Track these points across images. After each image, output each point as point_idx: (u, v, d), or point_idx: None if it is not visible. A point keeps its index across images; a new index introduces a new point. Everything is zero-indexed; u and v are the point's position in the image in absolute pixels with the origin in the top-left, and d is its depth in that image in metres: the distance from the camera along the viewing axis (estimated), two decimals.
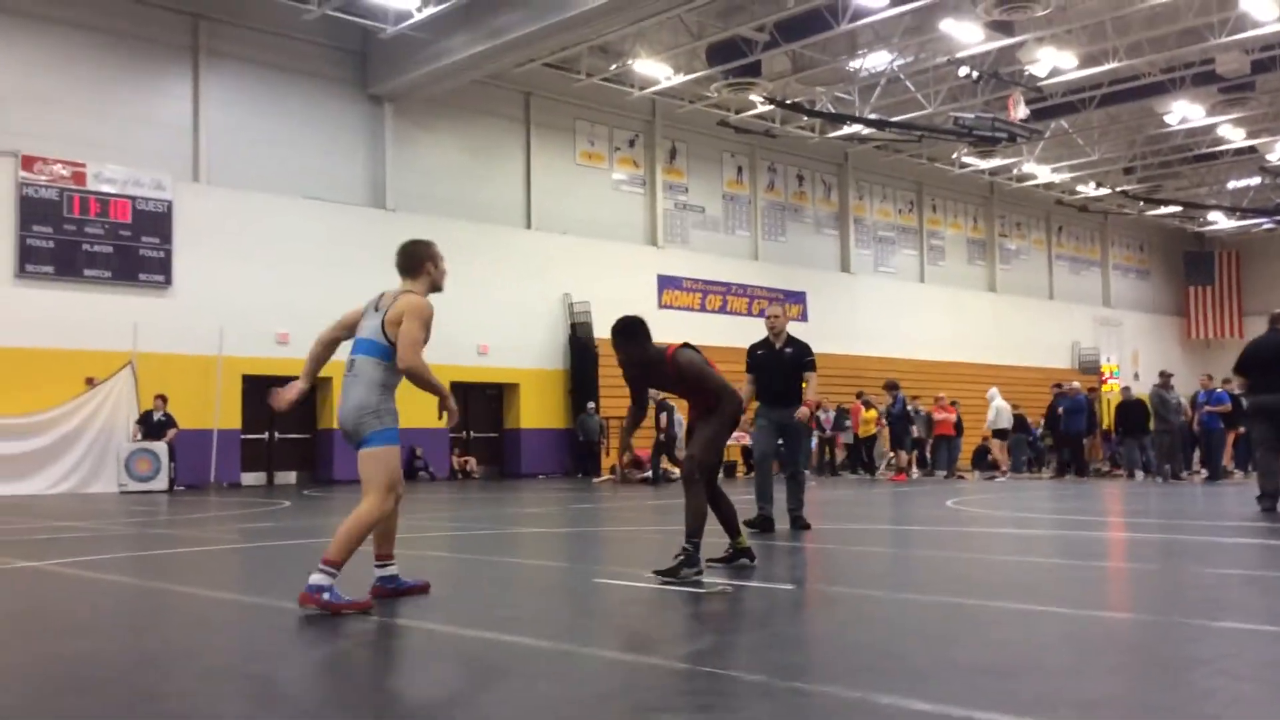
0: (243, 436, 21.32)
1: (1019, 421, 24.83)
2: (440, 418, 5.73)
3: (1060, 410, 22.85)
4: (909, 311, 32.85)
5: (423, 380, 5.38)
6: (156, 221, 20.26)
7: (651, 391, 7.27)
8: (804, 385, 9.87)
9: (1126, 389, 23.23)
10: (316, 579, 5.19)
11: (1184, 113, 28.75)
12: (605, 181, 27.23)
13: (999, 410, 23.61)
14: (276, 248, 21.39)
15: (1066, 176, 35.12)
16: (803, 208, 31.60)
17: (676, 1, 20.16)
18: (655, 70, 24.91)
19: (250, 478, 21.64)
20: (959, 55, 24.24)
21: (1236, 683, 3.76)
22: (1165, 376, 21.19)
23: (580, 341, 25.22)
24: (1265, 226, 41.08)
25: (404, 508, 12.75)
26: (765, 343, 9.99)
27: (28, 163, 19.05)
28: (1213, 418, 20.60)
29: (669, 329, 25.90)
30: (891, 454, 24.22)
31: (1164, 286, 43.62)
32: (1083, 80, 26.49)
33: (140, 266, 20.07)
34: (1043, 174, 34.40)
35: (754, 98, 26.37)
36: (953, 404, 23.79)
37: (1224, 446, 20.95)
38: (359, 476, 5.43)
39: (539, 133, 25.92)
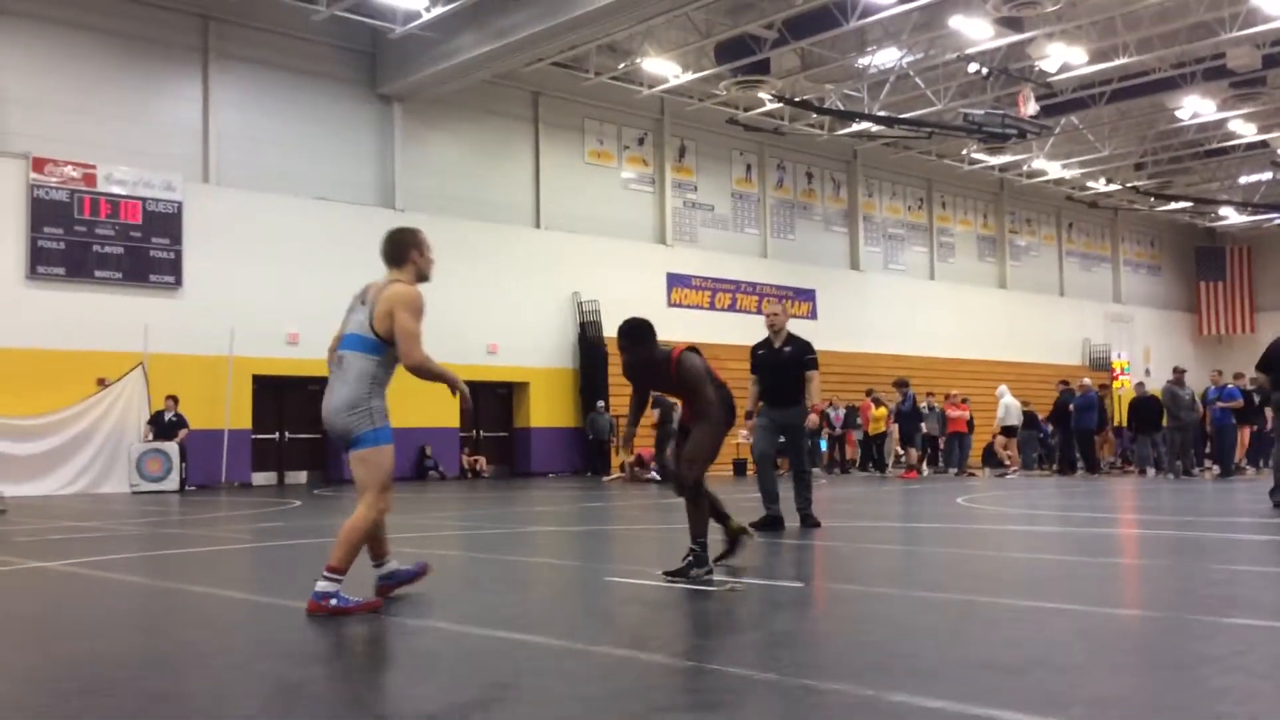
0: (253, 436, 21.38)
1: (1030, 418, 24.79)
2: (455, 397, 5.58)
3: (1071, 407, 22.79)
4: (919, 309, 32.78)
5: (430, 374, 5.28)
6: (167, 222, 20.31)
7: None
8: (806, 386, 9.72)
9: (1141, 385, 23.17)
10: (322, 586, 5.18)
11: (1195, 108, 28.63)
12: (614, 180, 27.22)
13: (1008, 407, 23.58)
14: (286, 248, 21.43)
15: (1077, 172, 35.01)
16: (812, 205, 31.55)
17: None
18: (664, 68, 24.89)
19: (261, 477, 21.69)
20: (968, 51, 24.18)
21: (1249, 679, 3.74)
22: (1179, 373, 21.12)
23: (590, 340, 25.23)
24: (1277, 222, 40.90)
25: (414, 507, 12.76)
26: (766, 342, 9.90)
27: (38, 164, 19.12)
28: (1225, 414, 20.53)
29: (678, 327, 25.99)
30: (901, 451, 24.19)
31: (1175, 282, 43.45)
32: (1093, 76, 26.40)
33: (151, 267, 20.13)
34: (1053, 170, 34.29)
35: (763, 95, 26.34)
36: (964, 401, 23.76)
37: (1236, 442, 20.88)
38: (356, 475, 5.34)
39: (548, 132, 25.93)
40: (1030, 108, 25.29)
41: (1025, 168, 34.31)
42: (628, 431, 7.07)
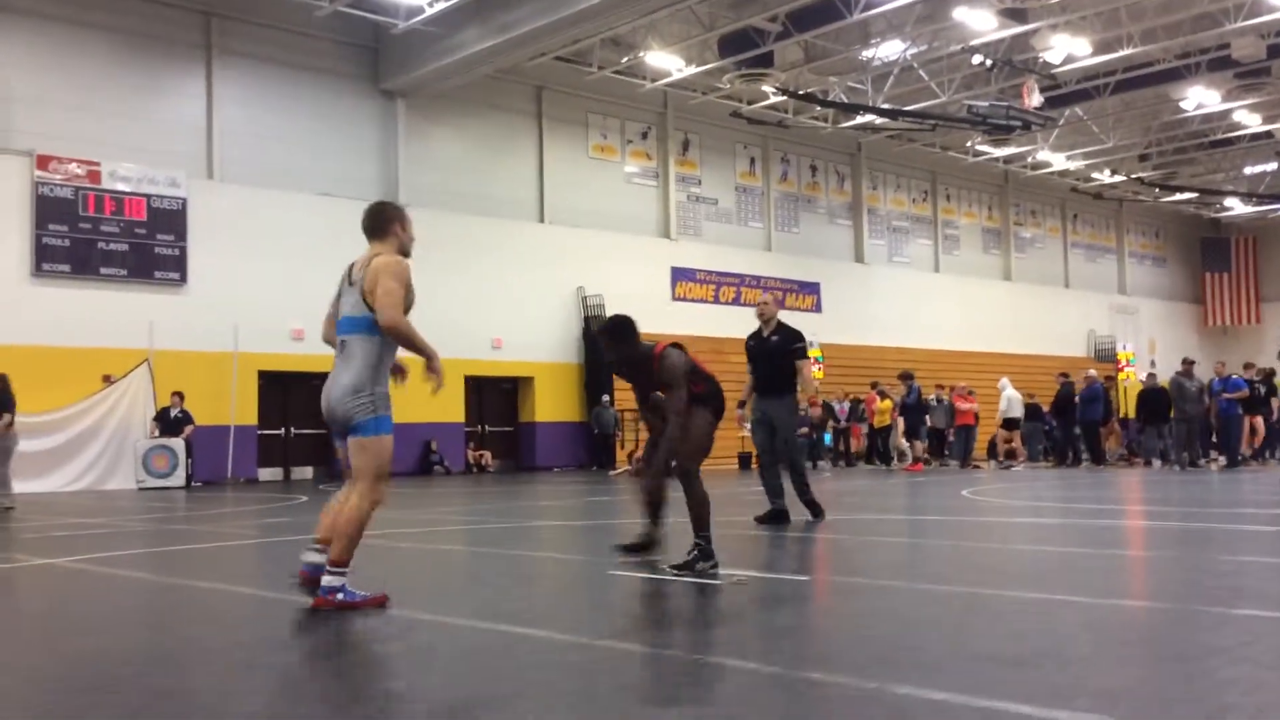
0: (259, 432, 21.41)
1: (1035, 410, 24.77)
2: (425, 379, 5.27)
3: (1076, 399, 22.76)
4: (923, 301, 32.74)
5: (406, 338, 5.11)
6: (171, 219, 20.33)
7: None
8: (798, 376, 9.63)
9: (1152, 376, 23.14)
10: (328, 581, 5.16)
11: (1200, 98, 28.55)
12: (618, 174, 27.21)
13: (1010, 400, 23.58)
14: (290, 244, 21.44)
15: (1081, 164, 34.92)
16: (816, 198, 31.52)
17: None
18: (667, 62, 24.86)
19: (267, 473, 21.73)
20: (972, 43, 24.11)
21: (1256, 670, 3.74)
22: (1188, 364, 21.09)
23: (594, 335, 25.24)
24: None
25: (419, 502, 12.76)
26: (757, 332, 9.83)
27: (43, 162, 19.14)
28: (1230, 404, 20.49)
29: (683, 321, 26.04)
30: (906, 444, 24.18)
31: (1180, 273, 43.36)
32: (1097, 67, 26.33)
33: (155, 264, 20.15)
34: (1058, 162, 34.21)
35: (766, 89, 26.30)
36: (969, 393, 23.76)
37: (1241, 433, 20.84)
38: (355, 463, 5.22)
39: (551, 126, 25.91)
40: (1034, 99, 25.22)
41: (1030, 160, 34.23)
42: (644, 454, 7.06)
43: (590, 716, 3.39)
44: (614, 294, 24.67)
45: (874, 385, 25.01)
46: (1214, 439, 21.67)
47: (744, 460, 24.20)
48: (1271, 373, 22.13)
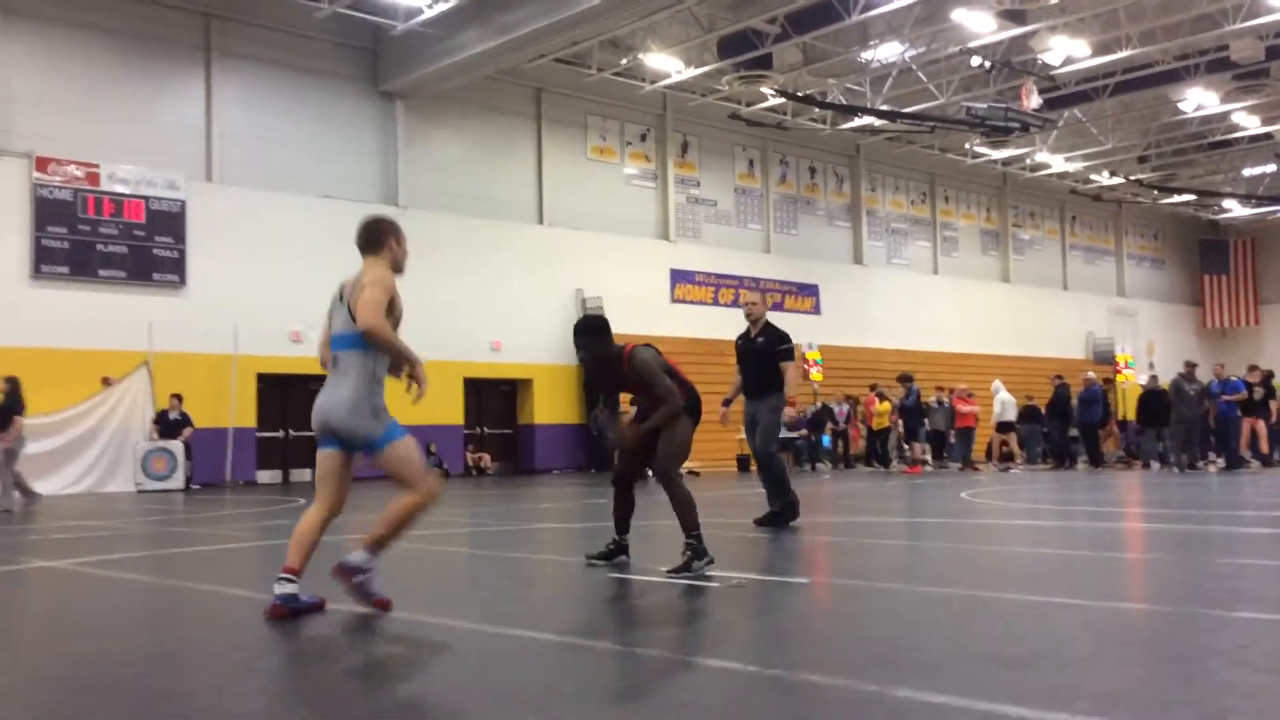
0: (258, 435, 21.40)
1: (1033, 412, 24.80)
2: (408, 389, 5.25)
3: (1074, 401, 22.80)
4: (922, 303, 32.75)
5: (384, 341, 5.04)
6: (170, 221, 20.33)
7: None
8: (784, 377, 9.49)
9: (1154, 378, 23.17)
10: (356, 559, 5.09)
11: (1198, 100, 28.58)
12: (617, 176, 27.22)
13: (1003, 403, 23.61)
14: (290, 246, 21.44)
15: (1080, 166, 34.94)
16: (815, 200, 31.53)
17: None
18: (666, 64, 24.87)
19: (266, 475, 21.72)
20: (971, 45, 24.13)
21: (1255, 674, 3.74)
22: (1190, 367, 21.12)
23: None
24: None
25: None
26: (745, 333, 9.72)
27: (42, 164, 19.14)
28: (1229, 406, 20.50)
29: (682, 323, 26.06)
30: (906, 447, 24.20)
31: (1179, 275, 43.38)
32: (1096, 69, 26.35)
33: (154, 266, 20.15)
34: (1056, 163, 34.24)
35: (765, 90, 26.32)
36: (970, 396, 23.78)
37: (1240, 435, 20.85)
38: (392, 474, 5.18)
39: (550, 128, 25.92)
40: (1033, 101, 25.24)
41: (1028, 161, 34.26)
42: (610, 419, 7.16)
43: (588, 718, 3.39)
44: (613, 296, 24.68)
45: (873, 387, 25.02)
46: (1212, 441, 21.70)
47: (743, 462, 24.20)
48: (1271, 374, 22.15)
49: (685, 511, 6.54)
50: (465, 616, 5.20)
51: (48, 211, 19.16)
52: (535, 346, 24.81)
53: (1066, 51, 24.04)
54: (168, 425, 19.39)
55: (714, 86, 26.52)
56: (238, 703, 3.67)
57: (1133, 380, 32.51)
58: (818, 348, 27.26)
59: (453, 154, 24.42)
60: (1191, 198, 39.02)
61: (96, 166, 19.67)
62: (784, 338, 9.49)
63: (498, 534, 10.01)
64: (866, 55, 25.72)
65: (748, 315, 9.69)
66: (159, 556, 8.61)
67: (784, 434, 25.11)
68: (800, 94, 26.72)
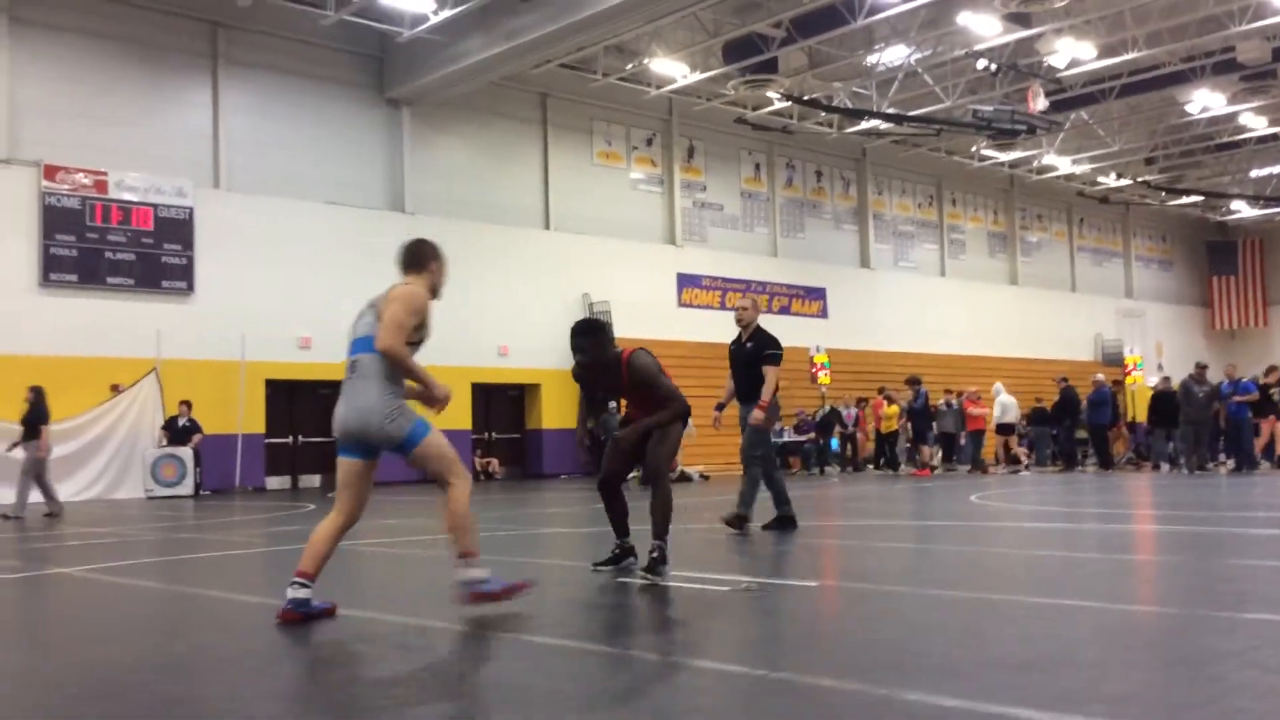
0: (267, 440, 21.44)
1: (1042, 414, 24.75)
2: (434, 410, 5.34)
3: (1085, 403, 22.75)
4: (929, 306, 32.72)
5: (400, 363, 5.11)
6: (178, 228, 20.38)
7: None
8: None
9: (1167, 379, 23.12)
10: (471, 574, 5.16)
11: (1205, 101, 28.52)
12: (623, 181, 27.23)
13: (1004, 405, 23.57)
14: (297, 252, 21.49)
15: (1087, 168, 34.89)
16: (821, 204, 31.52)
17: None
18: (672, 69, 24.88)
19: (275, 481, 21.76)
20: (977, 48, 24.12)
21: (1266, 675, 3.73)
22: (1200, 368, 21.06)
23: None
24: None
25: (428, 510, 12.74)
26: (736, 338, 9.70)
27: (50, 172, 19.21)
28: (1240, 407, 20.42)
29: (689, 328, 26.04)
30: (925, 451, 24.16)
31: (1187, 277, 43.28)
32: (1102, 71, 26.31)
33: (163, 273, 20.20)
34: (1063, 166, 34.19)
35: (771, 94, 26.31)
36: (979, 398, 23.75)
37: (1252, 436, 20.77)
38: (427, 468, 5.27)
39: (556, 133, 25.95)
40: (1039, 103, 25.21)
41: (1035, 164, 34.21)
42: (581, 434, 7.21)
43: None
44: (620, 301, 24.68)
45: (880, 390, 24.99)
46: (1221, 443, 21.62)
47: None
48: None
49: (665, 516, 6.60)
50: (473, 621, 5.20)
51: (56, 219, 19.22)
52: (542, 351, 24.79)
53: (1072, 54, 24.01)
54: (177, 432, 19.44)
55: (719, 91, 26.53)
56: (249, 708, 3.68)
57: (1141, 382, 32.42)
58: (825, 351, 27.22)
59: (459, 160, 24.46)
60: (1199, 199, 38.94)
61: (104, 174, 19.73)
62: (771, 343, 9.41)
63: (505, 539, 10.02)
64: (872, 59, 25.72)
65: (738, 320, 9.66)
66: (169, 562, 8.63)
67: (792, 438, 25.39)
68: (806, 98, 26.71)
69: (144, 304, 19.93)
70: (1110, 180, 36.42)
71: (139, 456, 19.20)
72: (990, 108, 25.90)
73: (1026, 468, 23.45)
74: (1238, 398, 20.45)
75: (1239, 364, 23.49)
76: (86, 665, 4.46)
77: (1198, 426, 20.48)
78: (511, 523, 11.89)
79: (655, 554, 6.45)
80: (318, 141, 22.42)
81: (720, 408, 9.63)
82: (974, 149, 32.59)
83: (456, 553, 5.23)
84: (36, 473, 14.19)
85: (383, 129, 23.36)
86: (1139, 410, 28.53)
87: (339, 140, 22.71)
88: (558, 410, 25.16)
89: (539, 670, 4.13)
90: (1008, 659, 4.06)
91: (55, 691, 4.06)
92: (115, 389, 19.39)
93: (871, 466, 25.39)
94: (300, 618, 5.12)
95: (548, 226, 25.58)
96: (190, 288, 20.47)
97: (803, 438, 25.46)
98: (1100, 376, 23.67)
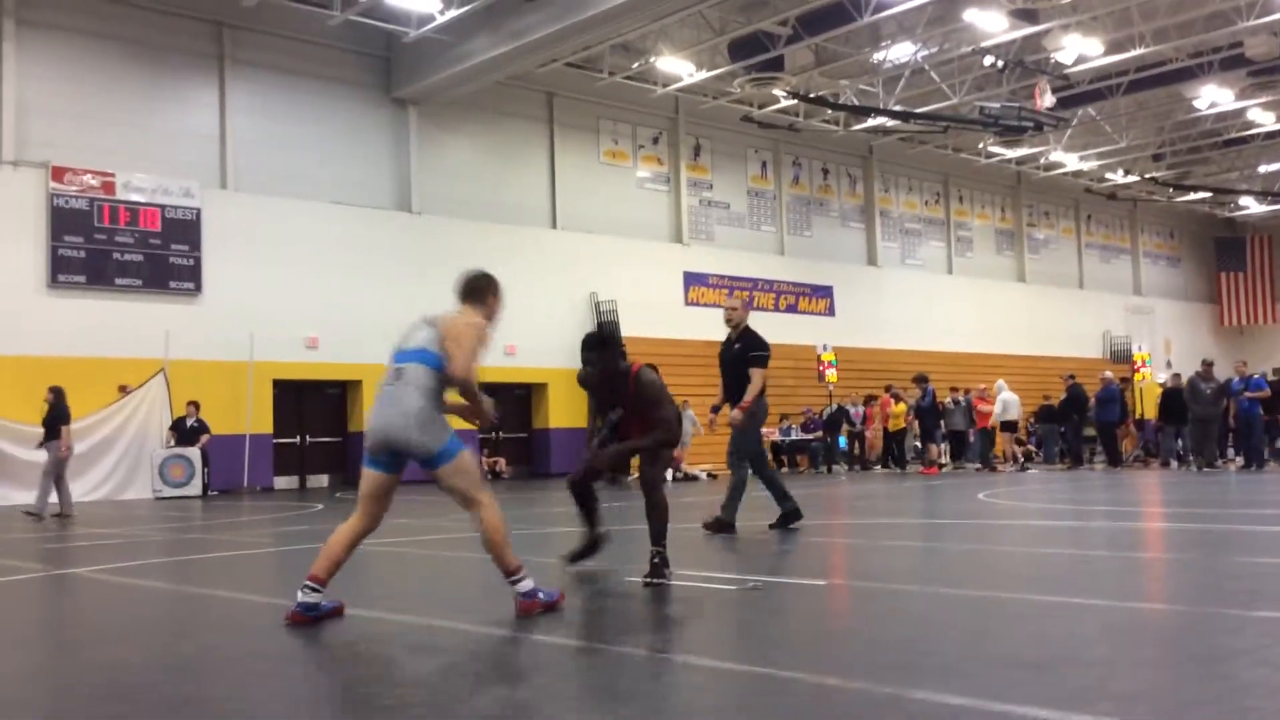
0: (275, 441, 21.46)
1: (1050, 412, 24.70)
2: (477, 426, 5.70)
3: (1094, 400, 22.72)
4: (937, 304, 32.65)
5: (469, 391, 5.35)
6: (185, 229, 20.42)
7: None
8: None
9: (1177, 376, 23.07)
10: (524, 587, 5.25)
11: (1213, 97, 28.42)
12: (630, 179, 27.22)
13: (1005, 403, 23.53)
14: (304, 253, 21.51)
15: (1095, 164, 34.79)
16: (828, 201, 31.48)
17: None
18: (678, 67, 24.87)
19: (283, 481, 21.78)
20: (983, 45, 24.06)
21: (1276, 673, 3.72)
22: (1207, 365, 21.01)
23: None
24: None
25: (435, 510, 12.75)
26: (726, 338, 9.68)
27: (58, 173, 19.25)
28: (1252, 404, 20.37)
29: (696, 326, 25.99)
30: (922, 447, 24.13)
31: (1195, 273, 43.15)
32: (1109, 67, 26.23)
33: (170, 274, 20.24)
34: (1071, 162, 34.10)
35: (777, 92, 26.28)
36: (988, 395, 23.72)
37: (1264, 433, 20.72)
38: (450, 487, 5.29)
39: (562, 132, 25.95)
40: (1046, 100, 25.15)
41: (1042, 160, 34.13)
42: (592, 432, 7.19)
43: None
44: (627, 300, 24.66)
45: (888, 388, 24.96)
46: (1230, 440, 21.58)
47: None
48: None
49: (662, 522, 6.59)
50: (479, 621, 5.21)
51: (64, 221, 19.26)
52: (549, 351, 24.79)
53: (1079, 50, 23.94)
54: (185, 432, 19.47)
55: (726, 89, 26.51)
56: (257, 709, 3.68)
57: (1150, 379, 32.33)
58: (832, 349, 27.19)
59: (465, 159, 24.47)
60: (1207, 195, 38.82)
61: (112, 175, 19.77)
62: (758, 345, 9.36)
63: (514, 538, 9.99)
64: (878, 56, 25.67)
65: (727, 320, 9.64)
66: (177, 563, 8.65)
67: (798, 436, 25.38)
68: (812, 95, 26.68)
69: (151, 305, 19.97)
70: (1118, 177, 36.32)
71: (147, 457, 19.24)
72: (997, 104, 25.84)
73: (1026, 466, 23.41)
74: (1249, 394, 20.40)
75: (1248, 360, 23.42)
76: (96, 666, 4.47)
77: (1205, 423, 20.43)
78: (519, 522, 11.88)
79: (655, 559, 6.43)
80: (324, 141, 22.45)
81: (716, 409, 9.63)
82: (981, 146, 32.52)
83: (503, 573, 5.30)
84: (57, 473, 14.26)
85: (389, 129, 23.38)
86: (1147, 407, 28.45)
87: (345, 140, 22.73)
88: (565, 410, 25.17)
89: (544, 670, 4.13)
90: (1016, 657, 4.05)
91: (65, 692, 4.07)
92: (123, 390, 19.43)
93: (879, 465, 25.36)
94: (308, 620, 5.14)
95: (554, 226, 25.59)
96: (198, 288, 20.50)
97: (810, 436, 25.43)
98: (1108, 374, 23.62)
